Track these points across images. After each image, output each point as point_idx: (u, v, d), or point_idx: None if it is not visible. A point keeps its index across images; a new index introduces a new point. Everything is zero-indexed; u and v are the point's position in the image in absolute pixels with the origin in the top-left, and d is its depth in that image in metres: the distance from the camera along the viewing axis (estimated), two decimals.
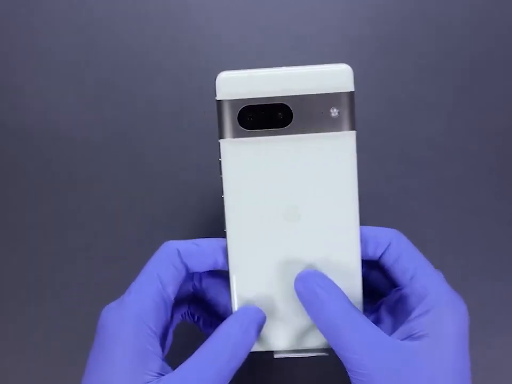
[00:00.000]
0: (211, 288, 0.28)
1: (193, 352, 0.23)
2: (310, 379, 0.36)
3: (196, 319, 0.29)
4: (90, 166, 0.36)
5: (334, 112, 0.25)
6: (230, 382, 0.23)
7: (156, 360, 0.23)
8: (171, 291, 0.25)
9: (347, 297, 0.24)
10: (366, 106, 0.37)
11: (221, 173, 0.25)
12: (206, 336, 0.24)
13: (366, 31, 0.37)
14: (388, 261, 0.26)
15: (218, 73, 0.25)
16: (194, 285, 0.28)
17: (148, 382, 0.22)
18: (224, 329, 0.24)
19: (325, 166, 0.25)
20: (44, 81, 0.36)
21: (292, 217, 0.26)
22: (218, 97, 0.25)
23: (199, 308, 0.29)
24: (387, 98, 0.37)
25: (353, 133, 0.25)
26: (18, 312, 0.34)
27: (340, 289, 0.24)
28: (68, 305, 0.35)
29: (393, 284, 0.26)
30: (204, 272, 0.27)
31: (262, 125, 0.25)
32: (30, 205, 0.35)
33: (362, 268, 0.26)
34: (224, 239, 0.26)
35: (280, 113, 0.25)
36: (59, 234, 0.35)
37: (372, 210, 0.36)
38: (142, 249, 0.35)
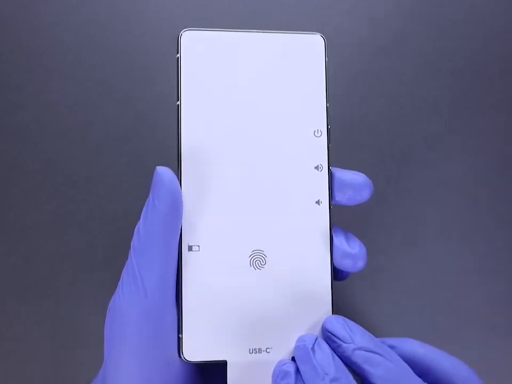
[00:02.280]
0: None
1: None
2: None
3: None
4: (90, 166, 0.36)
5: None
6: None
7: None
8: None
9: None
10: (366, 106, 0.37)
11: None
12: None
13: (366, 31, 0.37)
14: None
15: None
16: None
17: None
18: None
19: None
20: (43, 81, 0.36)
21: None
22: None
23: None
24: (387, 98, 0.37)
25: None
26: (18, 312, 0.34)
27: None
28: (68, 305, 0.35)
29: None
30: None
31: None
32: (30, 205, 0.35)
33: None
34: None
35: None
36: (59, 234, 0.35)
37: (372, 211, 0.36)
38: None
